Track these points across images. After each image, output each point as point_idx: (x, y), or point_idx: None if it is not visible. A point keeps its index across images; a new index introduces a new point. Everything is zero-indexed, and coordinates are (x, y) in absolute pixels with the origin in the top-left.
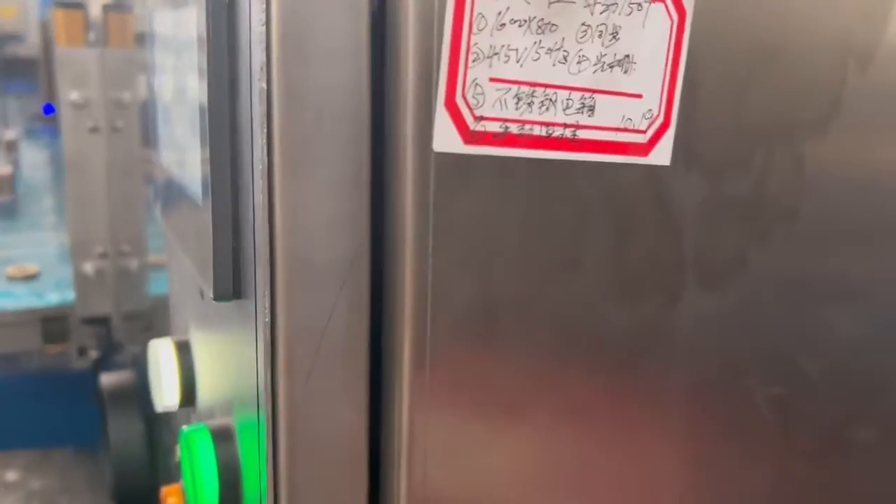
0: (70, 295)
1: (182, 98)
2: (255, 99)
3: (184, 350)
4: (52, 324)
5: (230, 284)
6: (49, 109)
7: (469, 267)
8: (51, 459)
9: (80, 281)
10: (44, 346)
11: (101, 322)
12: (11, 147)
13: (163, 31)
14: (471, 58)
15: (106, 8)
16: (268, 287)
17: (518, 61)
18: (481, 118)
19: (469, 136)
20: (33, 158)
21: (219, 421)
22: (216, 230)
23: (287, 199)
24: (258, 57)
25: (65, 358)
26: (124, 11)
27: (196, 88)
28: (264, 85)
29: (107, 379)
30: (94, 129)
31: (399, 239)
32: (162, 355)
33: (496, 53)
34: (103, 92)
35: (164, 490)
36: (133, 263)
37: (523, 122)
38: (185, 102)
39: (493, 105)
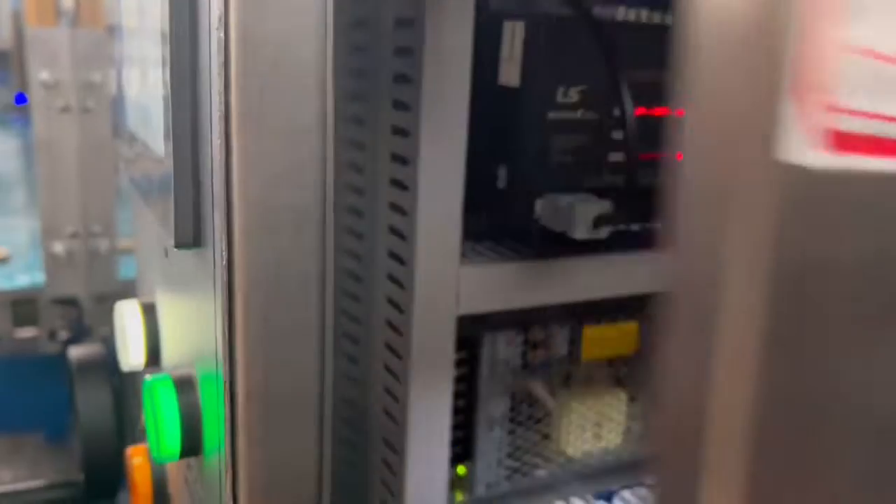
0: (40, 278)
1: (147, 58)
2: (214, 49)
3: (149, 311)
4: (22, 307)
5: (191, 232)
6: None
7: None
8: (22, 449)
9: (50, 261)
10: (13, 330)
11: (70, 302)
12: None
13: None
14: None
15: None
16: (224, 232)
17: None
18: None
19: (836, 140)
20: (5, 147)
21: (181, 371)
22: (177, 179)
23: (243, 147)
24: (217, 8)
25: (35, 342)
26: None
27: (159, 45)
28: (222, 34)
29: (75, 351)
30: (65, 110)
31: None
32: (127, 316)
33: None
34: (74, 72)
35: (130, 450)
36: (103, 244)
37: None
38: (150, 61)
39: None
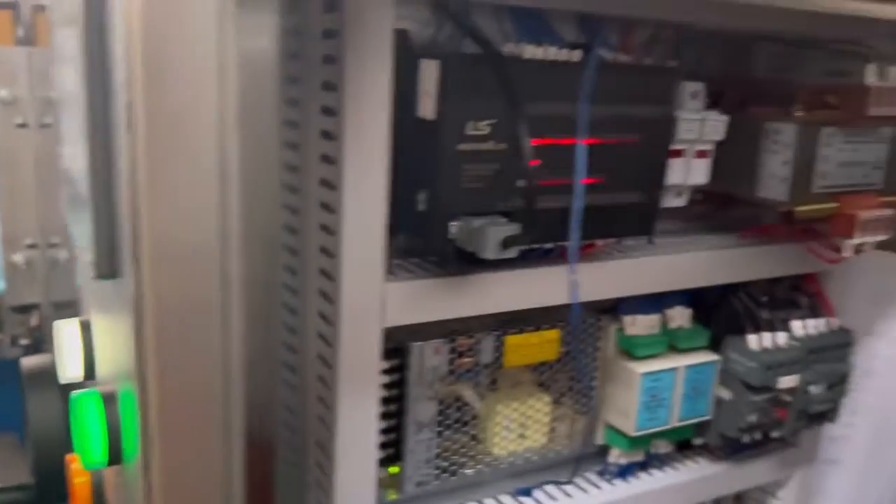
0: (1, 286)
1: (73, 104)
2: (122, 108)
3: (86, 328)
4: None
5: (108, 265)
6: None
7: None
8: None
9: (11, 270)
10: None
11: (29, 309)
12: None
13: (61, 43)
14: None
15: (35, 9)
16: (133, 266)
17: None
18: None
19: None
20: None
21: (107, 387)
22: (96, 218)
23: (148, 192)
24: (122, 74)
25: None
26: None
27: (82, 96)
28: (127, 98)
29: (27, 361)
30: (23, 125)
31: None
32: (66, 334)
33: None
34: (31, 89)
35: (69, 457)
36: (62, 254)
37: None
38: (75, 107)
39: None
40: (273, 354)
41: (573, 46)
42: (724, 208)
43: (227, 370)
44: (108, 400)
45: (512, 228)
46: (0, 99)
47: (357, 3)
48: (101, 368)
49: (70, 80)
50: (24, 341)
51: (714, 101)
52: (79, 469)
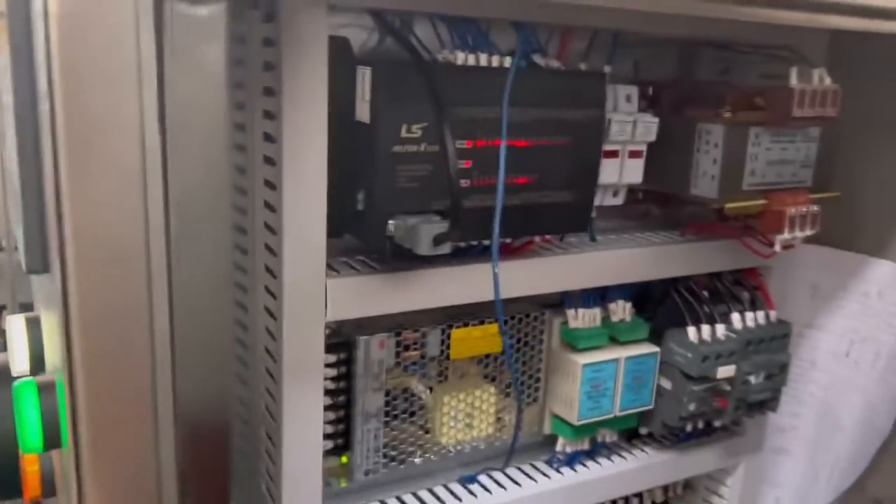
0: None
1: (7, 107)
2: (44, 111)
3: (34, 323)
4: None
5: (39, 261)
6: None
7: None
8: None
9: None
10: None
11: None
12: None
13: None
14: None
15: None
16: (59, 262)
17: None
18: None
19: None
20: None
21: (47, 377)
22: (26, 216)
23: (71, 192)
24: (43, 83)
25: None
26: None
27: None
28: (48, 106)
29: None
30: None
31: None
32: (14, 328)
33: None
34: None
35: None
36: None
37: None
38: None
39: None
40: (226, 350)
41: (508, 54)
42: (663, 207)
43: (153, 362)
44: (46, 388)
45: (443, 226)
46: None
47: (292, 14)
48: (48, 360)
49: (5, 85)
50: None
51: (651, 104)
52: (31, 459)
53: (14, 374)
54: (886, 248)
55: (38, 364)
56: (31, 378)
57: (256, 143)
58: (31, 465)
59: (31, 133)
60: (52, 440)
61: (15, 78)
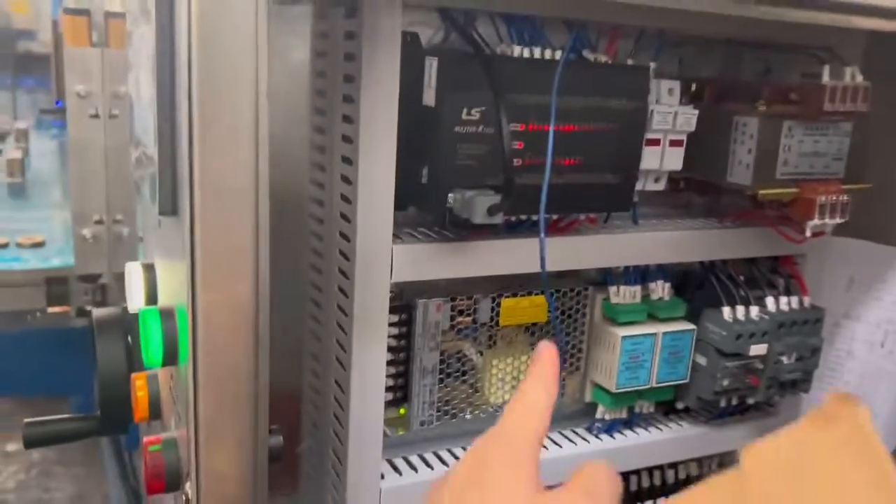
0: (70, 260)
1: (146, 84)
2: (183, 85)
3: (149, 269)
4: (55, 285)
5: (170, 204)
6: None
7: None
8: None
9: (80, 243)
10: (47, 308)
11: (94, 279)
12: (22, 135)
13: (139, 38)
14: None
15: (107, 14)
16: (189, 205)
17: None
18: None
19: None
20: (43, 146)
21: (166, 305)
22: (161, 167)
23: (200, 147)
24: (184, 54)
25: (66, 318)
26: (122, 18)
27: (153, 83)
28: (185, 76)
29: (97, 312)
30: (95, 116)
31: None
32: (133, 271)
33: None
34: (103, 85)
35: (133, 376)
36: (125, 230)
37: None
38: (147, 91)
39: None
40: (300, 308)
41: (560, 49)
42: (704, 195)
43: (258, 293)
44: (166, 314)
45: (496, 199)
46: (76, 93)
47: (372, 10)
48: (161, 296)
49: (144, 65)
50: (90, 311)
51: (694, 98)
52: (141, 385)
53: (132, 309)
54: None
55: (151, 303)
56: (153, 306)
57: (336, 124)
58: (140, 390)
59: (168, 101)
60: (169, 357)
61: (157, 59)
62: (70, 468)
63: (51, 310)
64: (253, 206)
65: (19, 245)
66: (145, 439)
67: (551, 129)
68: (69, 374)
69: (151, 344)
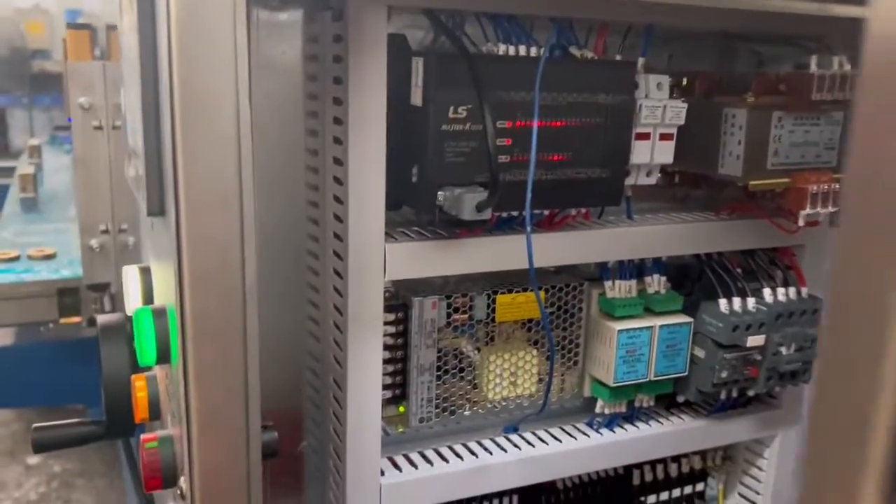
0: (80, 271)
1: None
2: (165, 88)
3: (145, 272)
4: (66, 296)
5: (157, 205)
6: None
7: None
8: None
9: (87, 253)
10: (59, 319)
11: (103, 288)
12: (35, 152)
13: (126, 45)
14: None
15: (109, 28)
16: (174, 206)
17: None
18: None
19: None
20: (57, 161)
21: (160, 305)
22: (148, 169)
23: (185, 149)
24: (165, 72)
25: (77, 328)
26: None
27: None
28: (167, 82)
29: (102, 318)
30: (98, 127)
31: None
32: (130, 274)
33: None
34: (106, 97)
35: (134, 377)
36: (130, 239)
37: None
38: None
39: None
40: (299, 311)
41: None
42: (698, 189)
43: (244, 290)
44: (159, 313)
45: (484, 195)
46: (80, 105)
47: (357, 13)
48: (157, 296)
49: (130, 73)
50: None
51: (686, 92)
52: (141, 386)
53: (129, 311)
54: None
55: (147, 301)
56: (147, 306)
57: (327, 126)
58: (140, 391)
59: (152, 105)
60: (163, 355)
61: (140, 67)
62: (91, 480)
63: (63, 321)
64: (238, 205)
65: (30, 257)
66: (142, 437)
67: (535, 124)
68: (84, 384)
69: (146, 343)
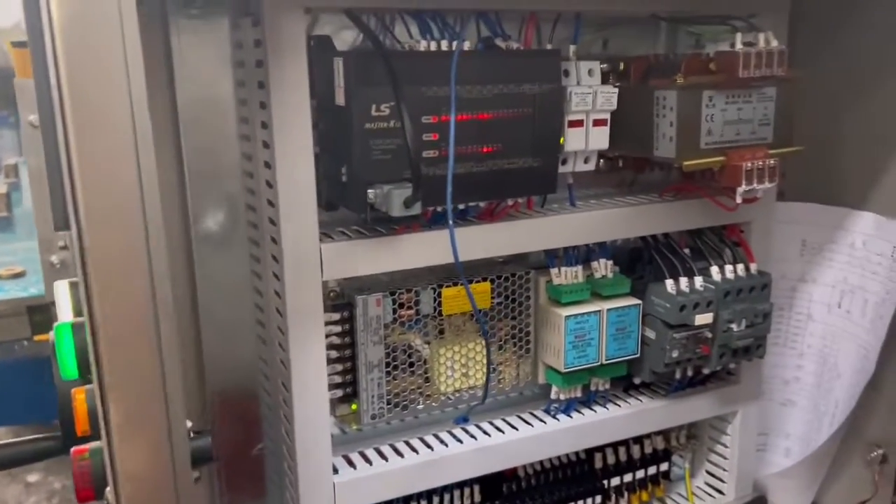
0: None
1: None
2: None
3: (75, 286)
4: (36, 313)
5: (62, 220)
6: None
7: None
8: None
9: (48, 270)
10: (32, 336)
11: None
12: (11, 170)
13: None
14: None
15: None
16: (74, 221)
17: None
18: None
19: None
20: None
21: (80, 320)
22: (51, 185)
23: (81, 162)
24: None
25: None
26: None
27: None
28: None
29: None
30: None
31: None
32: (61, 290)
33: None
34: None
35: (74, 390)
36: None
37: None
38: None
39: None
40: (249, 315)
41: (479, 41)
42: (642, 173)
43: (154, 299)
44: (79, 327)
45: (409, 191)
46: (30, 123)
47: (273, 17)
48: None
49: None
50: None
51: (621, 77)
52: (80, 399)
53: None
54: (868, 199)
55: (78, 314)
56: (67, 321)
57: (256, 130)
58: (80, 405)
59: (49, 120)
60: (85, 369)
61: (35, 78)
62: None
63: (37, 338)
64: (140, 216)
65: (0, 277)
66: (73, 450)
67: (451, 118)
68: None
69: (66, 357)
